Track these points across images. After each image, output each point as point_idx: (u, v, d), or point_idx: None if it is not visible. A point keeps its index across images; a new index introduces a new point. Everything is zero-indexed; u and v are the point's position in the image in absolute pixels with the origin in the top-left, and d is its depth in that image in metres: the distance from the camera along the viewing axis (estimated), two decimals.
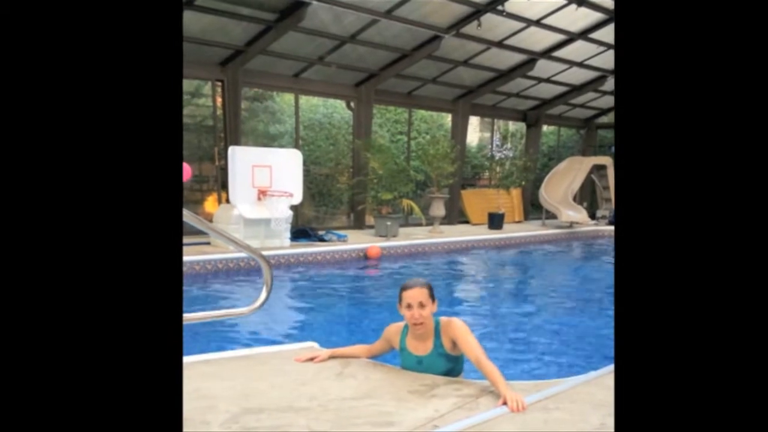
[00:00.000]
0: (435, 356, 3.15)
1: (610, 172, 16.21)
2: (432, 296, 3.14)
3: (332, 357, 3.46)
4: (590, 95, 15.79)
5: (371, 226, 11.74)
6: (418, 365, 3.20)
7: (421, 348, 3.18)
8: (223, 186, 9.93)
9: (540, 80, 14.08)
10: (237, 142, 10.04)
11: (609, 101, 16.51)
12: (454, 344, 3.12)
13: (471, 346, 3.03)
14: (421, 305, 3.07)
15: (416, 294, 3.08)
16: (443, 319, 3.18)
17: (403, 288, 3.15)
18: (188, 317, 2.74)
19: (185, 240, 7.25)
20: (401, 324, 3.29)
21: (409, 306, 3.09)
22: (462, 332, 3.08)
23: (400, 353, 3.29)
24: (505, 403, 2.76)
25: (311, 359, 3.42)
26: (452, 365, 3.18)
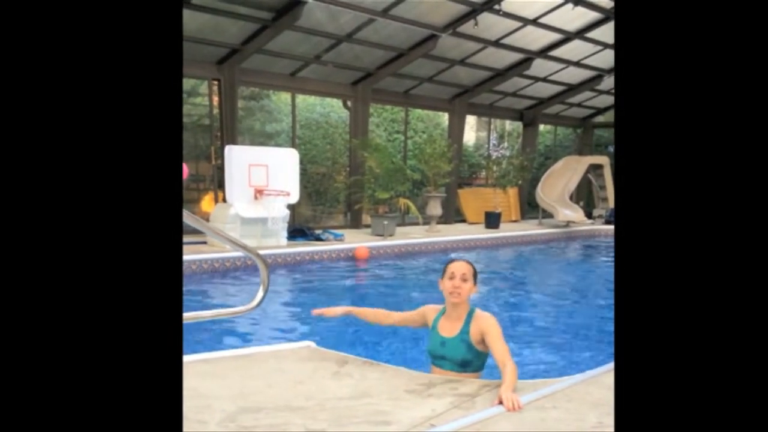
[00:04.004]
0: (458, 341, 3.18)
1: (607, 172, 16.23)
2: (475, 279, 3.23)
3: (348, 313, 3.61)
4: (587, 94, 15.82)
5: (368, 226, 11.72)
6: (440, 347, 3.23)
7: (448, 329, 3.22)
8: (220, 185, 9.91)
9: (537, 79, 14.10)
10: (233, 141, 10.03)
11: (605, 100, 16.55)
12: (482, 339, 3.14)
13: (499, 345, 3.05)
14: (464, 278, 3.17)
15: (461, 266, 3.21)
16: (479, 310, 3.23)
17: (449, 261, 3.31)
18: (185, 316, 2.72)
19: None
20: (440, 306, 3.38)
21: (451, 276, 3.19)
22: (495, 330, 3.10)
23: (429, 332, 3.35)
24: (501, 403, 2.76)
25: (325, 312, 3.58)
26: (471, 357, 3.18)
